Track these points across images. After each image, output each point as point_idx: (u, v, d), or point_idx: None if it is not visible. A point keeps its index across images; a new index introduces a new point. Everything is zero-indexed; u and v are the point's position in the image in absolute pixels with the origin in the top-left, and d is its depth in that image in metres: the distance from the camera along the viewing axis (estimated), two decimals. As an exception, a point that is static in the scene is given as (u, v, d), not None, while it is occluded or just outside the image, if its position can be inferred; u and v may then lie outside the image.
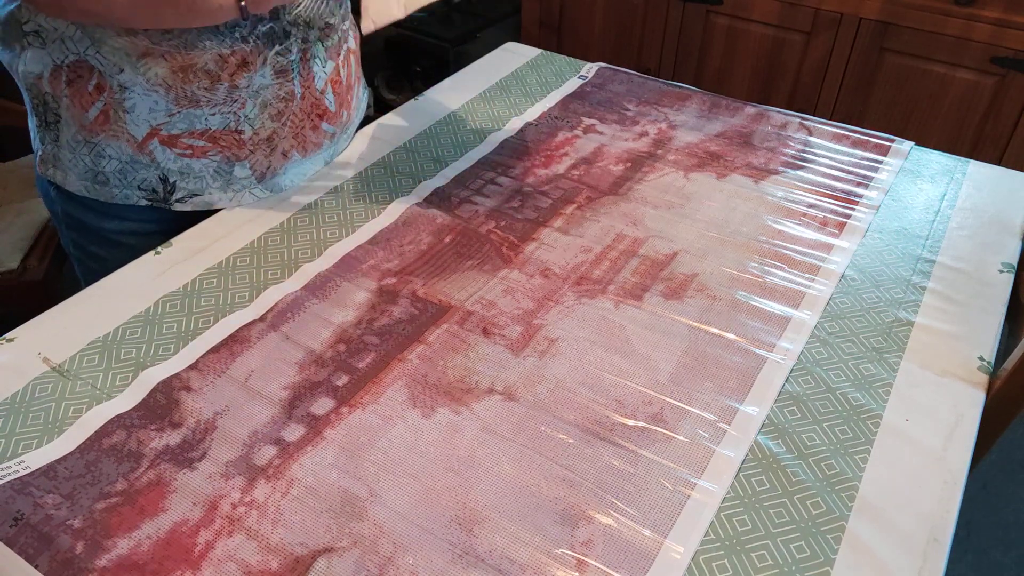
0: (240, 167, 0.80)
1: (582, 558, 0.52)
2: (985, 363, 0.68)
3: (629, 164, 0.92)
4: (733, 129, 1.00)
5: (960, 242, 0.81)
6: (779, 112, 1.03)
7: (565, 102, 1.06)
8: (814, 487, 0.57)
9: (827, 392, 0.64)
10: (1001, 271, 0.78)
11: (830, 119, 1.06)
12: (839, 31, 1.66)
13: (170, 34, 0.72)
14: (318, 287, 0.73)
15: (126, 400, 0.62)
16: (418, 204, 0.84)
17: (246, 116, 0.79)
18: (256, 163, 0.81)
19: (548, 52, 1.19)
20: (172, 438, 0.59)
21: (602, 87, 1.09)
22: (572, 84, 1.10)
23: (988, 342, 0.70)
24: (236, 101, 0.77)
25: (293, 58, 0.80)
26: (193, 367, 0.64)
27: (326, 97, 0.85)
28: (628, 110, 1.04)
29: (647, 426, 0.61)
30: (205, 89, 0.76)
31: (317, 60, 0.83)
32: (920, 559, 0.53)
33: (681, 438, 0.60)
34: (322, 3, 0.81)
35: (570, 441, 0.59)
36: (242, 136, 0.79)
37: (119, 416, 0.60)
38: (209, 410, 0.61)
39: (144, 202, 0.80)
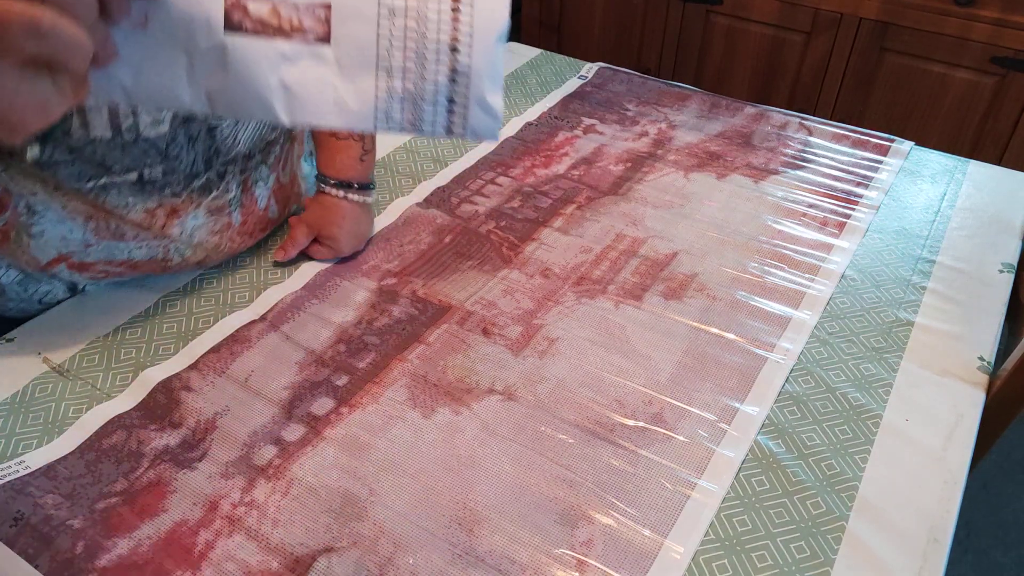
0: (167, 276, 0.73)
1: (582, 558, 0.52)
2: (985, 363, 0.68)
3: (629, 164, 0.92)
4: (733, 129, 1.00)
5: (960, 242, 0.81)
6: (779, 112, 1.03)
7: (565, 102, 1.06)
8: (814, 487, 0.57)
9: (827, 392, 0.64)
10: (1001, 271, 0.78)
11: (830, 119, 1.06)
12: (839, 31, 1.66)
13: (88, 181, 0.62)
14: (318, 287, 0.73)
15: (126, 400, 0.62)
16: (418, 204, 0.84)
17: (177, 248, 0.69)
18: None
19: (548, 52, 1.19)
20: (172, 438, 0.59)
21: (602, 87, 1.09)
22: (572, 84, 1.10)
23: (988, 342, 0.70)
24: (167, 238, 0.68)
25: (232, 196, 0.71)
26: (193, 367, 0.64)
27: (269, 210, 0.76)
28: (628, 110, 1.04)
29: (647, 426, 0.61)
30: (131, 229, 0.66)
31: (259, 183, 0.74)
32: (920, 559, 0.53)
33: (681, 438, 0.60)
34: (264, 127, 0.73)
35: (570, 441, 0.59)
36: (169, 263, 0.70)
37: (119, 416, 0.60)
38: (209, 410, 0.61)
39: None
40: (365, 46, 0.41)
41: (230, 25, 0.39)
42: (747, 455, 0.59)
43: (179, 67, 0.40)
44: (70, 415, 0.60)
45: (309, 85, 0.41)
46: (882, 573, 0.52)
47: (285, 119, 0.42)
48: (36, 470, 0.56)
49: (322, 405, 0.61)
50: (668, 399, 0.63)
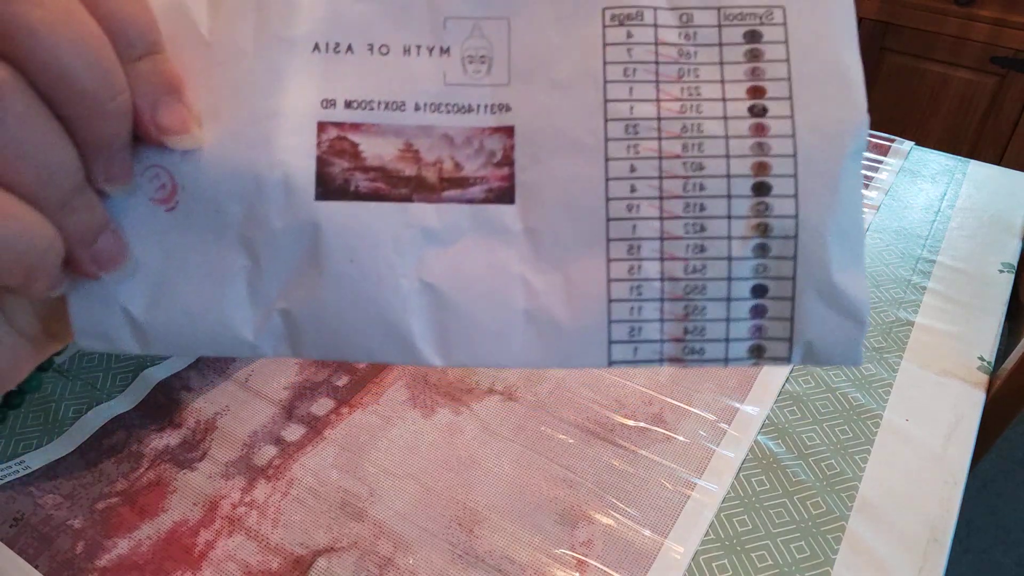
0: None
1: (582, 558, 0.52)
2: (985, 363, 0.68)
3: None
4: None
5: (960, 242, 0.81)
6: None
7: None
8: (814, 487, 0.57)
9: (827, 392, 0.64)
10: (1001, 271, 0.78)
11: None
12: (839, 31, 1.66)
13: None
14: (318, 287, 0.73)
15: (126, 400, 0.62)
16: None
17: None
18: None
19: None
20: (172, 438, 0.59)
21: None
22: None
23: (988, 342, 0.70)
24: None
25: None
26: (193, 367, 0.64)
27: None
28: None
29: (647, 426, 0.61)
30: None
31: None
32: (920, 559, 0.53)
33: (681, 438, 0.60)
34: None
35: (570, 441, 0.59)
36: None
37: (119, 416, 0.60)
38: (209, 410, 0.61)
39: None
40: (582, 201, 0.23)
41: (328, 187, 0.23)
42: (747, 455, 0.59)
43: (232, 272, 0.23)
44: (70, 415, 0.60)
45: (473, 284, 0.24)
46: (882, 573, 0.52)
47: (434, 356, 0.24)
48: (36, 470, 0.56)
49: (322, 405, 0.61)
50: (668, 399, 0.63)
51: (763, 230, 0.23)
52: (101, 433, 0.59)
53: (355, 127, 0.24)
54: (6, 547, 0.51)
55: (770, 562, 0.52)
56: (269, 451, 0.58)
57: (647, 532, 0.54)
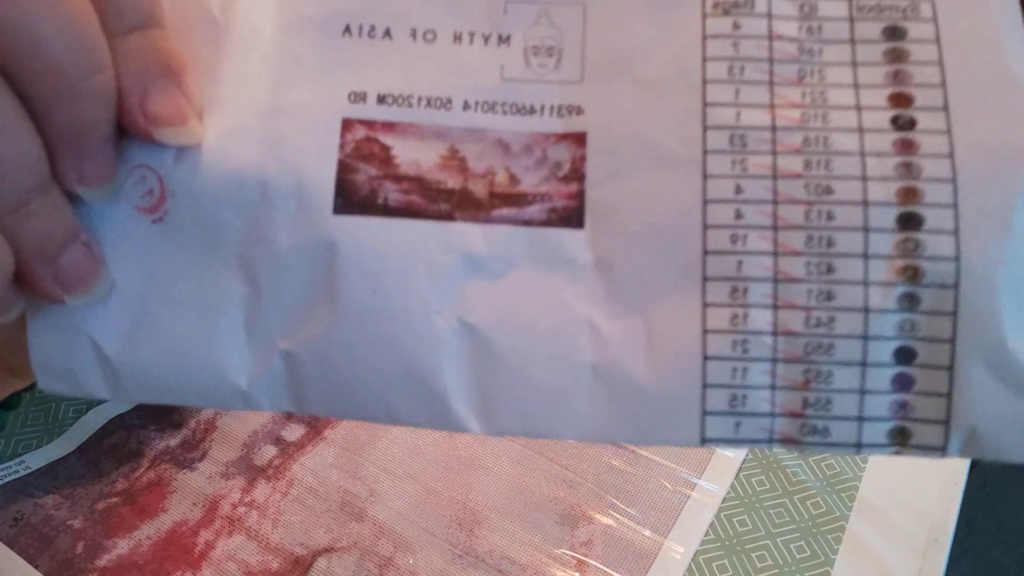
0: None
1: (582, 558, 0.52)
2: (985, 363, 0.67)
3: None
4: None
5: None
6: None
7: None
8: (814, 487, 0.57)
9: (827, 392, 0.64)
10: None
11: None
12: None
13: None
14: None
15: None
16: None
17: None
18: None
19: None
20: (172, 438, 0.59)
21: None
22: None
23: (988, 342, 0.70)
24: None
25: None
26: (193, 367, 0.64)
27: None
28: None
29: (647, 426, 0.61)
30: None
31: None
32: (920, 559, 0.53)
33: (681, 438, 0.60)
34: None
35: (570, 441, 0.59)
36: None
37: (119, 416, 0.60)
38: (209, 410, 0.61)
39: None
40: (672, 227, 0.19)
41: (350, 198, 0.18)
42: (747, 455, 0.59)
43: (226, 301, 0.19)
44: (70, 415, 0.60)
45: (526, 328, 0.19)
46: (882, 573, 0.52)
47: (472, 420, 0.19)
48: (36, 470, 0.56)
49: (322, 405, 0.61)
50: (668, 399, 0.63)
51: (912, 275, 0.17)
52: (101, 433, 0.59)
53: (388, 127, 0.19)
54: (6, 547, 0.51)
55: (770, 562, 0.52)
56: (269, 451, 0.58)
57: (647, 532, 0.54)
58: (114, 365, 0.19)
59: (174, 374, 0.19)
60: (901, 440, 0.19)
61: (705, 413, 0.18)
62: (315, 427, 0.60)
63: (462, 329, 0.18)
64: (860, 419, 0.18)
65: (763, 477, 0.58)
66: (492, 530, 0.53)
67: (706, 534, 0.54)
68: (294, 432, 0.59)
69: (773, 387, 0.18)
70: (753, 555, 0.53)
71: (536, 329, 0.19)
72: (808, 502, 0.56)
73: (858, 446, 0.19)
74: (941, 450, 0.19)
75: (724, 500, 0.56)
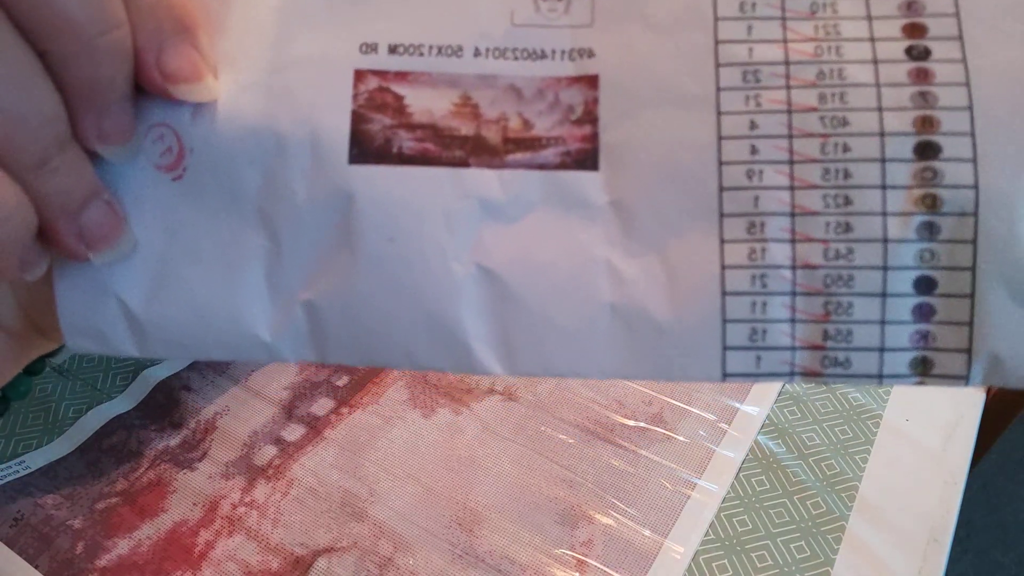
0: None
1: (582, 558, 0.52)
2: (985, 363, 0.68)
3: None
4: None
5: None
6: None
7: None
8: (814, 487, 0.57)
9: (827, 392, 0.64)
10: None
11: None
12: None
13: None
14: (318, 287, 0.73)
15: (126, 400, 0.62)
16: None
17: None
18: None
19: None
20: (172, 438, 0.59)
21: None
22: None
23: (988, 342, 0.70)
24: None
25: None
26: (193, 367, 0.64)
27: None
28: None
29: (647, 426, 0.61)
30: None
31: None
32: (920, 559, 0.53)
33: (681, 438, 0.60)
34: None
35: (570, 441, 0.59)
36: None
37: (119, 416, 0.60)
38: (209, 410, 0.61)
39: None
40: (687, 165, 0.19)
41: (365, 148, 0.19)
42: (747, 455, 0.59)
43: (248, 254, 0.19)
44: (70, 415, 0.61)
45: (544, 271, 0.19)
46: (882, 573, 0.52)
47: (494, 362, 0.19)
48: (36, 470, 0.56)
49: (322, 405, 0.61)
50: (668, 399, 0.63)
51: (930, 204, 0.17)
52: (101, 433, 0.59)
53: (400, 76, 0.19)
54: (6, 547, 0.51)
55: (770, 562, 0.52)
56: (269, 451, 0.58)
57: (647, 532, 0.54)
58: (140, 322, 0.19)
59: (199, 329, 0.19)
60: (923, 370, 0.19)
61: (726, 348, 0.18)
62: (315, 427, 0.60)
63: (480, 274, 0.19)
64: (882, 350, 0.18)
65: (763, 477, 0.58)
66: (492, 530, 0.53)
67: (706, 534, 0.54)
68: (294, 432, 0.59)
69: (793, 320, 0.18)
70: (753, 555, 0.53)
71: (554, 271, 0.19)
72: (808, 502, 0.56)
73: (880, 377, 0.19)
74: (964, 378, 0.19)
75: (724, 500, 0.56)
